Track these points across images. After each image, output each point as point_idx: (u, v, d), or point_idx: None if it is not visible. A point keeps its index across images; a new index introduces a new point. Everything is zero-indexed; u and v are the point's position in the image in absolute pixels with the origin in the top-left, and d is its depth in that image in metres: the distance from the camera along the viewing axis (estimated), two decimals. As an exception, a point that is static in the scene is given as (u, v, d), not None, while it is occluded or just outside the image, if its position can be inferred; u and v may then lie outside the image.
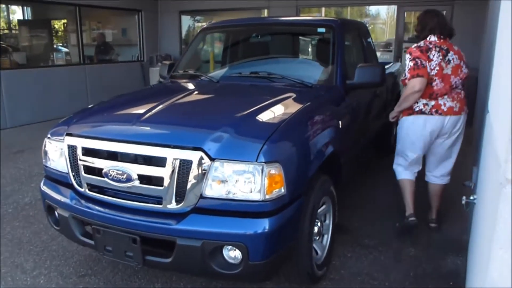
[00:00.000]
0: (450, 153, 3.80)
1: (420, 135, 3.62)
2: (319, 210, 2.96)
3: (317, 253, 3.06)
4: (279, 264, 2.63)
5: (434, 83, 3.52)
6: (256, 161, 2.31)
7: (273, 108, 2.87)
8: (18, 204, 4.52)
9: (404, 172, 3.87)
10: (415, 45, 3.62)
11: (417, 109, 3.58)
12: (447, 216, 4.13)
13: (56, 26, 11.74)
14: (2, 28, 11.27)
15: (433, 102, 3.54)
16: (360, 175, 4.98)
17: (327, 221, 3.19)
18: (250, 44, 4.68)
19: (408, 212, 3.79)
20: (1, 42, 9.69)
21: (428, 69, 3.47)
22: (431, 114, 3.55)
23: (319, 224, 3.00)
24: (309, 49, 4.65)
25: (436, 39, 3.60)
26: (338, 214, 3.31)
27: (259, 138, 2.41)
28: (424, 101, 3.55)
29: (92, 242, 2.72)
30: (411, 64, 3.47)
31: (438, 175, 3.91)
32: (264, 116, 2.74)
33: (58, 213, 2.89)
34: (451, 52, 3.59)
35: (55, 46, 11.14)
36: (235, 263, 2.43)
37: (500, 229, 1.59)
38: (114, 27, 11.54)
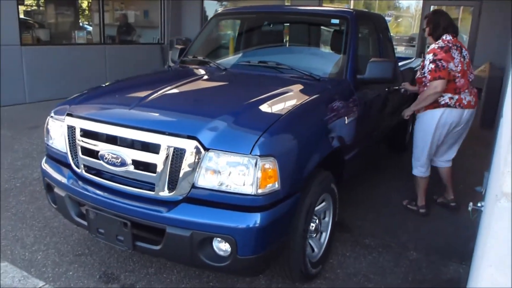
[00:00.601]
0: (458, 140, 4.14)
1: (443, 127, 3.84)
2: (318, 207, 2.90)
3: (313, 250, 3.01)
4: (270, 259, 2.58)
5: (457, 80, 3.73)
6: (250, 154, 2.25)
7: (275, 100, 2.80)
8: (26, 179, 4.58)
9: (426, 171, 4.09)
10: (437, 46, 3.73)
11: (442, 102, 3.76)
12: (457, 221, 4.03)
13: (82, 5, 11.81)
14: (30, 4, 11.39)
15: (457, 97, 3.76)
16: (369, 172, 4.89)
17: (326, 219, 3.12)
18: (262, 33, 4.59)
19: (421, 203, 4.17)
20: (28, 19, 9.82)
21: (453, 67, 3.67)
22: (455, 107, 3.78)
23: (316, 221, 2.94)
24: (322, 41, 4.53)
25: (451, 37, 3.77)
26: (339, 212, 3.24)
27: (255, 130, 2.35)
28: (450, 95, 3.75)
29: (85, 223, 2.72)
30: (432, 66, 3.63)
31: (445, 160, 4.24)
32: (264, 108, 2.67)
33: (55, 192, 2.89)
34: (463, 49, 3.83)
35: (80, 24, 11.21)
36: (224, 255, 2.40)
37: (491, 245, 1.50)
38: (137, 8, 11.54)
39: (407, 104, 4.41)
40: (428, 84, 3.69)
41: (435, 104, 3.77)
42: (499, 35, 8.04)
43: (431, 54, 3.67)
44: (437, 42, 3.78)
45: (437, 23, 3.80)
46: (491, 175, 2.07)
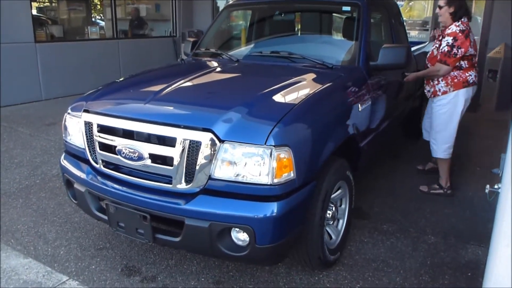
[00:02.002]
0: None
1: (466, 104, 4.05)
2: (334, 195, 2.92)
3: (331, 237, 3.03)
4: (288, 248, 2.61)
5: (474, 58, 3.96)
6: (265, 144, 2.27)
7: (288, 90, 2.81)
8: (46, 176, 4.66)
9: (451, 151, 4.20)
10: (458, 29, 3.82)
11: (471, 81, 3.96)
12: (474, 205, 4.01)
13: (94, 0, 11.87)
14: (42, 1, 11.47)
15: (475, 73, 4.00)
16: (383, 159, 4.87)
17: (342, 206, 3.13)
18: (273, 23, 4.58)
19: (447, 184, 4.24)
20: (41, 15, 9.90)
21: (472, 51, 3.88)
22: (475, 84, 4.03)
23: (333, 208, 2.95)
24: (334, 28, 4.50)
25: (466, 19, 3.87)
26: (356, 199, 3.25)
27: (269, 120, 2.37)
28: (474, 73, 3.97)
29: (106, 217, 2.77)
30: (446, 49, 3.81)
31: None
32: (278, 98, 2.69)
33: (75, 188, 2.95)
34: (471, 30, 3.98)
35: (92, 19, 11.28)
36: (242, 245, 2.43)
37: (508, 225, 1.51)
38: (148, 2, 11.54)
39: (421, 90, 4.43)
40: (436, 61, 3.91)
41: (465, 84, 3.92)
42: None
43: (452, 37, 3.78)
44: (457, 24, 3.84)
45: (460, 4, 3.86)
46: (507, 157, 2.06)
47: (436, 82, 4.03)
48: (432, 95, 4.12)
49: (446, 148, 4.12)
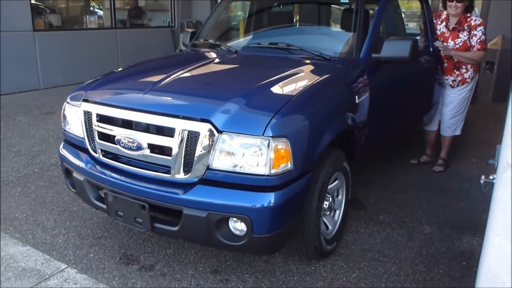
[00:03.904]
0: None
1: None
2: (330, 186, 2.95)
3: (327, 227, 3.06)
4: (285, 238, 2.64)
5: None
6: (263, 135, 2.30)
7: (286, 81, 2.82)
8: (44, 164, 4.68)
9: None
10: (479, 20, 4.30)
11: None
12: (469, 196, 4.06)
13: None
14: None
15: None
16: (382, 152, 4.90)
17: (339, 197, 3.16)
18: (272, 14, 4.57)
19: (447, 156, 4.76)
20: (40, 4, 9.84)
21: None
22: None
23: (330, 199, 2.98)
24: (332, 20, 4.51)
25: None
26: (352, 190, 3.28)
27: (267, 111, 2.39)
28: None
29: (104, 206, 2.79)
30: (484, 37, 4.27)
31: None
32: (276, 89, 2.70)
33: (74, 176, 2.97)
34: None
35: (91, 8, 11.22)
36: (240, 235, 2.46)
37: (498, 214, 1.54)
38: (147, -9, 11.52)
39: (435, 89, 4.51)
40: (476, 49, 4.27)
41: (477, 70, 4.54)
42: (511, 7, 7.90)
43: (482, 26, 4.27)
44: (474, 19, 4.28)
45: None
46: (503, 148, 2.09)
47: (464, 70, 4.40)
48: (461, 83, 4.44)
49: (461, 125, 4.67)
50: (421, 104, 4.48)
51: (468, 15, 4.30)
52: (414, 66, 3.93)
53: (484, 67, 7.59)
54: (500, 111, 3.84)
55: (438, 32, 4.44)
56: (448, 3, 4.27)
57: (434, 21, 4.49)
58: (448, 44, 4.33)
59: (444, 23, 4.42)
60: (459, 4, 4.22)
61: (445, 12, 4.44)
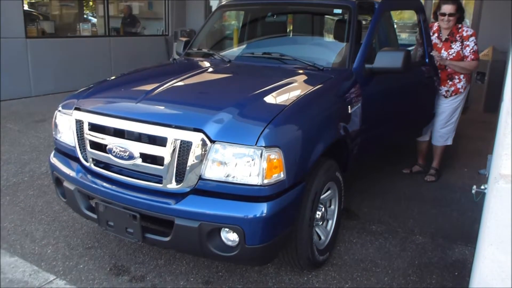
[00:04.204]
0: None
1: None
2: (323, 196, 2.94)
3: (320, 238, 3.05)
4: (278, 248, 2.63)
5: None
6: (256, 145, 2.29)
7: (279, 91, 2.82)
8: (34, 173, 4.63)
9: None
10: (470, 30, 4.36)
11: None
12: (461, 205, 4.06)
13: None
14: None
15: None
16: (374, 161, 4.90)
17: (332, 207, 3.15)
18: (265, 24, 4.59)
19: (439, 166, 4.79)
20: (33, 10, 9.82)
21: None
22: None
23: (323, 209, 2.97)
24: (325, 31, 4.54)
25: None
26: (345, 200, 3.27)
27: (260, 121, 2.39)
28: None
29: (95, 216, 2.76)
30: (476, 47, 4.32)
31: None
32: (269, 99, 2.70)
33: (65, 186, 2.94)
34: None
35: (84, 16, 11.20)
36: (232, 245, 2.44)
37: (491, 225, 1.54)
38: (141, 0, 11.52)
39: (433, 100, 4.53)
40: (469, 59, 4.33)
41: (470, 81, 4.56)
42: (501, 19, 8.01)
43: (474, 37, 4.33)
44: (466, 30, 4.34)
45: (464, 9, 4.37)
46: (493, 158, 2.10)
47: (457, 80, 4.44)
48: (454, 93, 4.48)
49: (453, 135, 4.69)
50: (417, 115, 4.48)
51: (460, 26, 4.37)
52: (408, 77, 3.91)
53: (476, 77, 7.66)
54: (491, 121, 3.89)
55: None
56: (440, 17, 4.32)
57: None
58: (442, 54, 4.38)
59: (436, 34, 4.47)
60: (451, 18, 4.28)
61: (436, 24, 4.50)
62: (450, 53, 4.35)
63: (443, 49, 4.38)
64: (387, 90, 3.80)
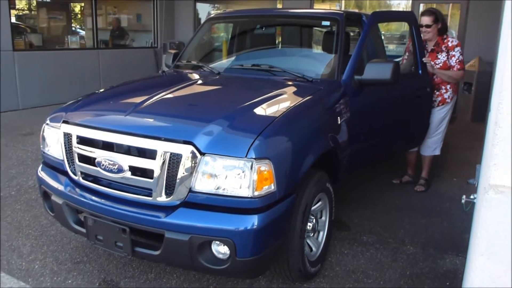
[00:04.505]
0: None
1: None
2: (314, 207, 2.93)
3: (311, 249, 3.04)
4: (269, 260, 2.61)
5: None
6: (246, 157, 2.28)
7: (268, 103, 2.83)
8: (22, 187, 4.57)
9: None
10: (455, 41, 4.43)
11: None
12: (451, 215, 4.08)
13: (75, 9, 11.76)
14: (22, 8, 11.33)
15: None
16: (364, 172, 4.92)
17: (323, 218, 3.15)
18: (254, 36, 4.62)
19: (428, 176, 4.82)
20: (20, 23, 9.78)
21: None
22: None
23: (313, 221, 2.97)
24: (314, 42, 4.57)
25: None
26: (336, 211, 3.27)
27: (250, 133, 2.38)
28: None
29: (84, 230, 2.73)
30: (461, 57, 4.38)
31: None
32: (259, 111, 2.70)
33: (53, 200, 2.90)
34: None
35: (73, 29, 11.18)
36: (223, 258, 2.42)
37: (482, 235, 1.54)
38: (129, 12, 11.50)
39: (427, 112, 4.50)
40: (456, 69, 4.36)
41: (456, 91, 4.61)
42: (487, 30, 8.15)
43: (459, 47, 4.39)
44: (451, 40, 4.40)
45: (444, 20, 4.43)
46: (482, 168, 2.11)
47: (444, 90, 4.49)
48: (441, 103, 4.51)
49: (441, 145, 4.70)
50: (410, 127, 4.44)
51: (445, 36, 4.43)
52: (399, 88, 3.92)
53: (463, 88, 7.76)
54: (478, 131, 3.92)
55: None
56: (420, 29, 4.40)
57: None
58: None
59: None
60: (428, 29, 4.36)
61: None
62: (437, 63, 4.40)
63: (430, 59, 4.42)
64: (377, 101, 3.80)
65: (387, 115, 4.01)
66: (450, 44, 4.39)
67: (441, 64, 4.38)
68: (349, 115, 3.29)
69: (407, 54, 4.56)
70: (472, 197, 2.07)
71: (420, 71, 4.33)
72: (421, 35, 4.39)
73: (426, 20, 4.36)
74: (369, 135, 3.69)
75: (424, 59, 4.36)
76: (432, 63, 4.38)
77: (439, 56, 4.39)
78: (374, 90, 3.59)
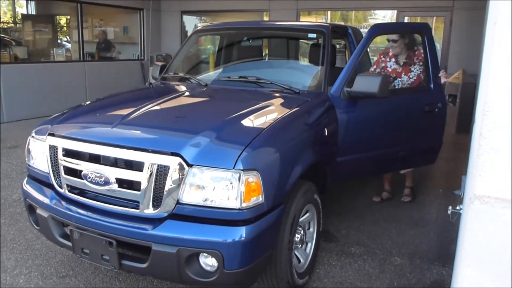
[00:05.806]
0: None
1: None
2: (302, 218, 2.93)
3: (299, 261, 3.03)
4: (257, 272, 2.60)
5: None
6: (234, 168, 2.28)
7: (256, 114, 2.84)
8: (6, 201, 4.51)
9: None
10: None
11: None
12: (438, 226, 4.11)
13: (60, 22, 11.73)
14: (6, 21, 11.27)
15: None
16: (351, 181, 4.94)
17: (311, 229, 3.15)
18: (241, 48, 4.65)
19: (411, 184, 4.85)
20: (5, 36, 9.71)
21: None
22: None
23: (301, 232, 2.97)
24: (300, 55, 4.62)
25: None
26: (324, 222, 3.27)
27: (237, 145, 2.39)
28: None
29: (70, 243, 2.69)
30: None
31: None
32: (246, 123, 2.71)
33: (38, 213, 2.86)
34: None
35: (58, 41, 11.14)
36: (211, 270, 2.41)
37: (468, 246, 1.56)
38: (116, 24, 11.51)
39: (438, 128, 4.26)
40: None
41: None
42: (470, 43, 8.32)
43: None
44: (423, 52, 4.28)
45: (412, 36, 4.41)
46: (467, 179, 2.14)
47: None
48: None
49: None
50: (416, 143, 4.17)
51: (416, 48, 4.37)
52: (400, 103, 3.85)
53: (447, 99, 7.86)
54: (463, 142, 3.96)
55: (390, 69, 4.41)
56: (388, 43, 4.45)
57: (383, 58, 4.47)
58: (402, 79, 4.34)
59: (393, 59, 4.42)
60: (394, 44, 4.35)
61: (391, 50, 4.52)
62: (411, 76, 4.31)
63: (403, 73, 4.35)
64: (372, 114, 3.70)
65: (384, 129, 3.87)
66: (424, 55, 4.28)
67: (415, 77, 4.30)
68: (337, 126, 3.31)
69: (374, 67, 4.48)
70: (458, 208, 2.09)
71: (432, 86, 4.05)
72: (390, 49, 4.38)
73: (392, 35, 4.37)
74: (358, 148, 3.68)
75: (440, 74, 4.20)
76: (403, 78, 4.31)
77: (413, 69, 4.33)
78: (370, 103, 3.55)
